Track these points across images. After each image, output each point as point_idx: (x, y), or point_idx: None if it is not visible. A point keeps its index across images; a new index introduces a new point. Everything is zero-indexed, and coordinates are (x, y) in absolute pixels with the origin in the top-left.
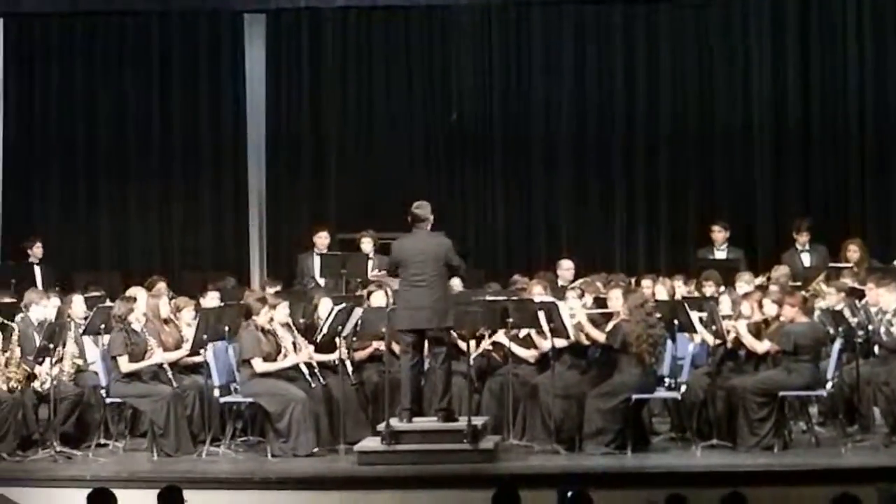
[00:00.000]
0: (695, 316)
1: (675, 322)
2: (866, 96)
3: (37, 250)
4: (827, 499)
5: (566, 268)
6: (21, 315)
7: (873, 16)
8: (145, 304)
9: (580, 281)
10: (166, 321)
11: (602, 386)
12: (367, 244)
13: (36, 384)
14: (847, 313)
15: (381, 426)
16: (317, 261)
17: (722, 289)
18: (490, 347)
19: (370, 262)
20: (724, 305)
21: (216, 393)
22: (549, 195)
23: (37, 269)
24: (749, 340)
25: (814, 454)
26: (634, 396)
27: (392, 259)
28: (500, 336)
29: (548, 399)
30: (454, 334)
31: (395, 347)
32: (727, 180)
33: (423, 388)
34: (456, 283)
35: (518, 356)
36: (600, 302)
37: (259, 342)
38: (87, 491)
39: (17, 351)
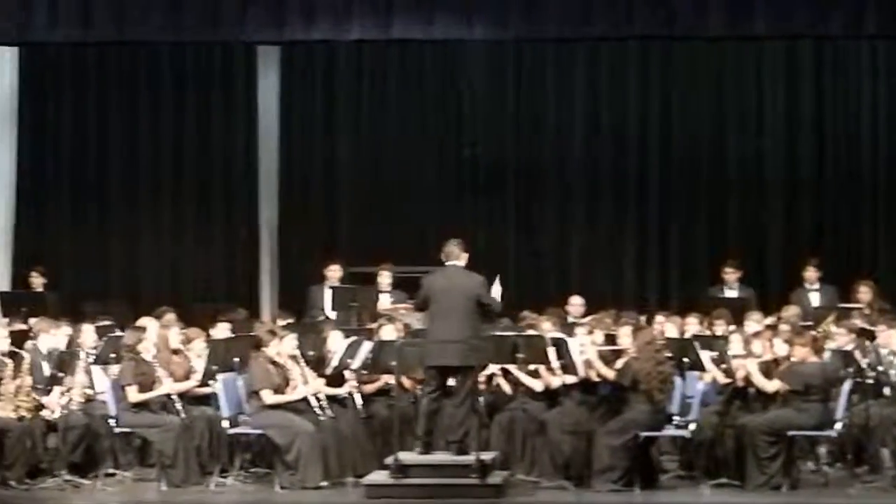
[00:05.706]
0: (705, 354)
1: (685, 360)
2: (879, 138)
3: (35, 280)
4: None
5: (576, 304)
6: (31, 343)
7: (887, 59)
8: (155, 334)
9: (590, 317)
10: (176, 352)
11: (611, 423)
12: (385, 277)
13: (45, 413)
14: (857, 354)
15: (390, 459)
16: (328, 293)
17: (732, 327)
18: (499, 372)
19: (383, 296)
20: (735, 344)
21: (225, 424)
22: (560, 231)
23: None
24: (759, 379)
25: (822, 494)
26: (643, 434)
27: (422, 293)
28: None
29: (557, 435)
30: None
31: (405, 381)
32: (739, 219)
33: (437, 421)
34: None
35: (525, 385)
36: (610, 339)
37: (268, 374)
38: None
39: (28, 379)
